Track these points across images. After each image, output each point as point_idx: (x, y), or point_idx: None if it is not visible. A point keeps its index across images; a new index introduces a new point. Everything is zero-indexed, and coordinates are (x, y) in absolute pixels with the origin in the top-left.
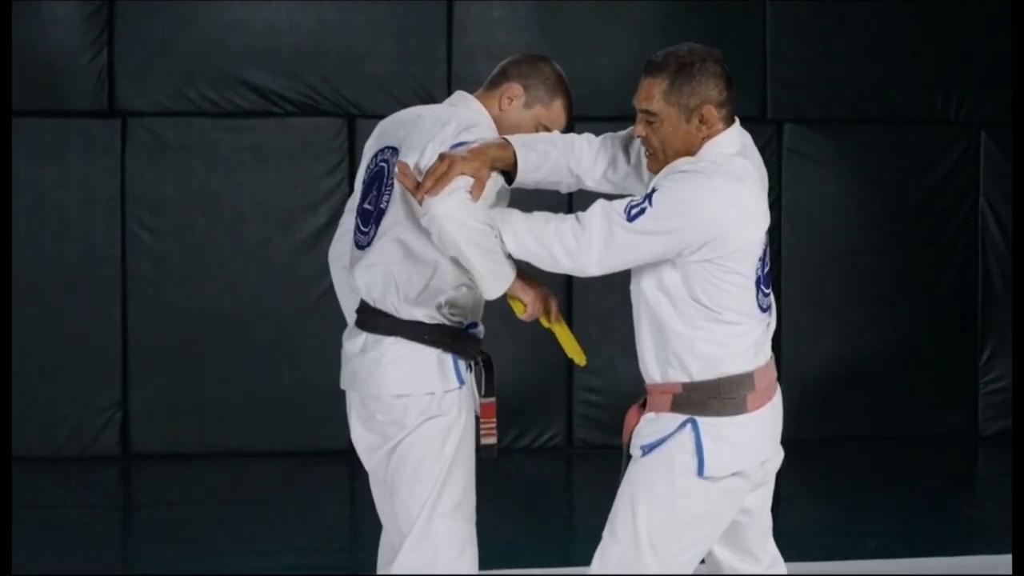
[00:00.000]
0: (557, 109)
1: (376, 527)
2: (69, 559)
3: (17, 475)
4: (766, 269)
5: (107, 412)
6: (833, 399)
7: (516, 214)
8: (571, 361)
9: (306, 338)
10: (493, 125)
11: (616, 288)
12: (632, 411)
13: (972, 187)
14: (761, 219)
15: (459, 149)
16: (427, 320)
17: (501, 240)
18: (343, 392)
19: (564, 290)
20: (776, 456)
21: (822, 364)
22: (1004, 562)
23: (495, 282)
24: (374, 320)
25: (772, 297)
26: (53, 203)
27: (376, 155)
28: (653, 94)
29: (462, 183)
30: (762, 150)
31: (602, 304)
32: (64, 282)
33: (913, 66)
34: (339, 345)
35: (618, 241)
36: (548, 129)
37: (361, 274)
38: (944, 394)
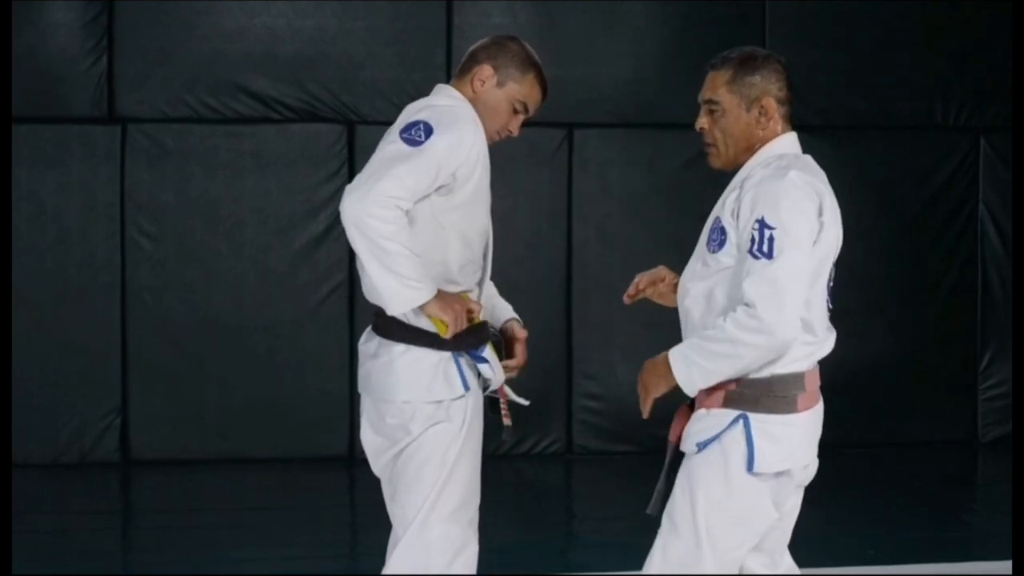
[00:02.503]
0: (530, 84)
1: (376, 533)
2: (69, 565)
3: (17, 482)
4: (831, 284)
5: (107, 418)
6: (833, 405)
7: (686, 346)
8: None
9: (305, 344)
10: (467, 104)
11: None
12: (681, 411)
13: (971, 193)
14: (835, 211)
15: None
16: (433, 328)
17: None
18: (342, 399)
19: (563, 299)
20: (814, 462)
21: (822, 370)
22: (1004, 567)
23: (391, 300)
24: (386, 324)
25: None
26: (53, 209)
27: None
28: (717, 84)
29: (395, 171)
30: None
31: (601, 311)
32: (64, 288)
33: (912, 73)
34: (338, 351)
35: (783, 282)
36: (525, 106)
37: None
38: (943, 400)
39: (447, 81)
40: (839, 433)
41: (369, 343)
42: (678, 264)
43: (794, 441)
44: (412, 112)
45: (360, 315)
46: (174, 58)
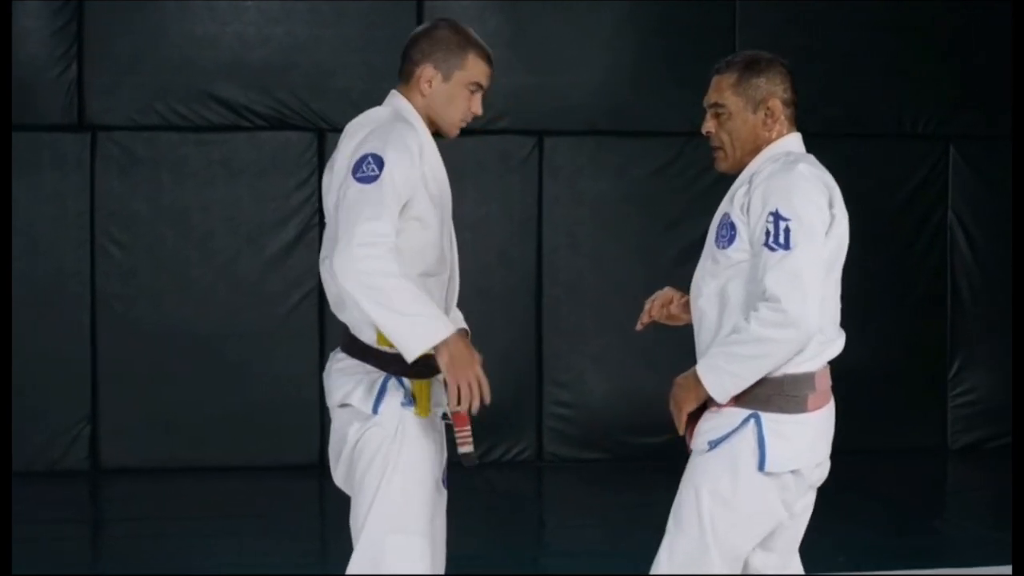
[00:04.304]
0: (473, 63)
1: (346, 541)
2: (37, 574)
3: None
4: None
5: (76, 427)
6: None
7: (714, 355)
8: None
9: (275, 353)
10: (417, 117)
11: (586, 302)
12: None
13: (941, 201)
14: (843, 205)
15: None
16: (371, 343)
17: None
18: (312, 407)
19: (534, 306)
20: (826, 462)
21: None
22: (1003, 571)
23: (407, 342)
24: (342, 332)
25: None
26: (22, 218)
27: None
28: (722, 87)
29: (370, 212)
30: None
31: (572, 318)
32: (33, 297)
33: (882, 81)
34: (308, 359)
35: (802, 271)
36: (478, 84)
37: (327, 287)
38: (913, 408)
39: None
40: None
41: (333, 352)
42: (648, 272)
43: (806, 440)
44: (355, 133)
45: (330, 323)
46: (144, 66)
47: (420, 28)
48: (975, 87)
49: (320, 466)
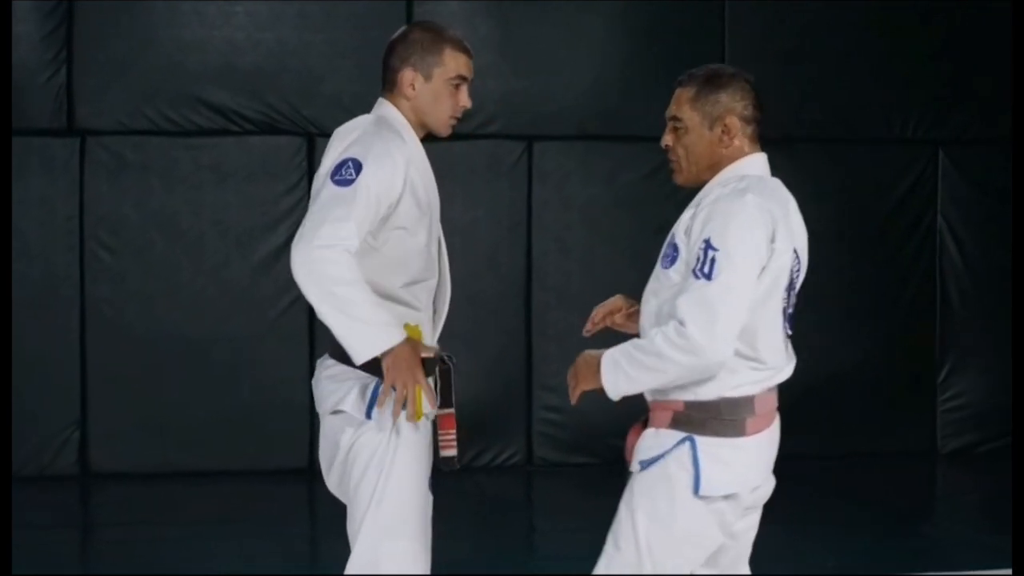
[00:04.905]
0: (450, 58)
1: (336, 546)
2: None
3: None
4: (791, 308)
5: (66, 431)
6: (792, 417)
7: (617, 351)
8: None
9: (265, 357)
10: (403, 123)
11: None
12: (633, 430)
13: (930, 206)
14: (790, 238)
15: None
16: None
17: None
18: (302, 411)
19: (523, 311)
20: (767, 483)
21: (781, 383)
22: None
23: (354, 346)
24: (330, 338)
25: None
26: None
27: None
28: (681, 101)
29: (337, 213)
30: None
31: (560, 324)
32: (22, 301)
33: (871, 86)
34: (298, 364)
35: (717, 302)
36: (461, 77)
37: None
38: (903, 412)
39: None
40: (799, 445)
41: (320, 359)
42: (638, 277)
43: (742, 464)
44: (343, 137)
45: (320, 328)
46: (133, 70)
47: (395, 35)
48: (964, 91)
49: (310, 470)
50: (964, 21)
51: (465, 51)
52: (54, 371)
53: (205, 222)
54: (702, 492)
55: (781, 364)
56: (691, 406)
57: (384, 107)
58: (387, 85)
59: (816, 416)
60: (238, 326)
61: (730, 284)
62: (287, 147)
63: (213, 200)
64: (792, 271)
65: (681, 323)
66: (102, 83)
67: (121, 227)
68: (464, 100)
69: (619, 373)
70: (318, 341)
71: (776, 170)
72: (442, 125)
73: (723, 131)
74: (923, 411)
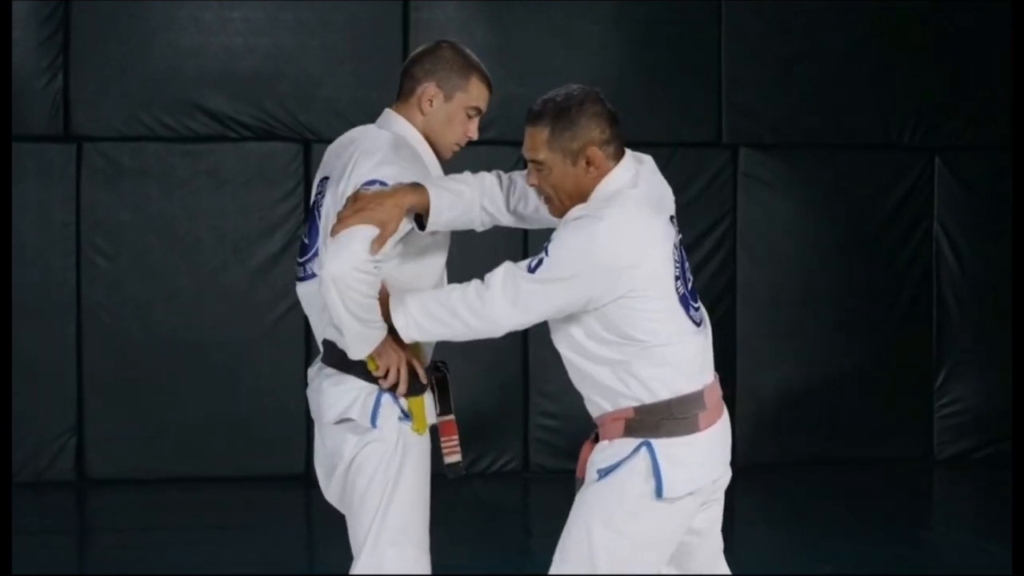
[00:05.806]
0: (476, 87)
1: (333, 552)
2: None
3: None
4: (690, 285)
5: (62, 437)
6: (789, 423)
7: (412, 298)
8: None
9: (262, 363)
10: (420, 140)
11: None
12: (586, 446)
13: (926, 212)
14: (659, 241)
15: (372, 189)
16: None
17: (401, 324)
18: (299, 417)
19: None
20: (726, 474)
21: (778, 388)
22: None
23: (359, 344)
24: (324, 347)
25: (704, 312)
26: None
27: (317, 184)
28: (537, 143)
29: (365, 233)
30: (717, 175)
31: None
32: (19, 307)
33: (867, 92)
34: (295, 369)
35: (523, 294)
36: (478, 109)
37: (303, 304)
38: (899, 418)
39: None
40: (795, 450)
41: (313, 367)
42: None
43: (700, 460)
44: (368, 154)
45: None
46: (130, 76)
47: (422, 48)
48: (961, 97)
49: (306, 476)
50: (960, 27)
51: (490, 87)
52: (51, 376)
53: (202, 228)
54: (666, 494)
55: (694, 331)
56: (642, 411)
57: (398, 123)
58: (402, 95)
59: (813, 421)
60: (235, 331)
61: (544, 291)
62: (284, 153)
63: (210, 206)
64: (674, 256)
65: (487, 287)
66: (99, 89)
67: (118, 233)
68: (472, 131)
69: (409, 317)
70: (314, 346)
71: (771, 174)
72: (446, 150)
73: (587, 162)
74: (919, 416)
